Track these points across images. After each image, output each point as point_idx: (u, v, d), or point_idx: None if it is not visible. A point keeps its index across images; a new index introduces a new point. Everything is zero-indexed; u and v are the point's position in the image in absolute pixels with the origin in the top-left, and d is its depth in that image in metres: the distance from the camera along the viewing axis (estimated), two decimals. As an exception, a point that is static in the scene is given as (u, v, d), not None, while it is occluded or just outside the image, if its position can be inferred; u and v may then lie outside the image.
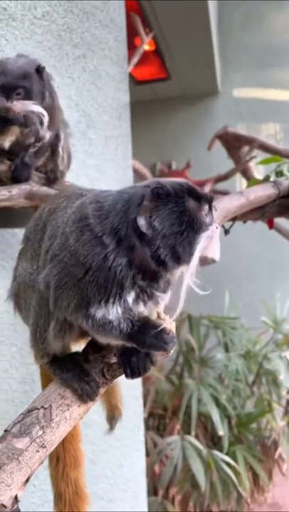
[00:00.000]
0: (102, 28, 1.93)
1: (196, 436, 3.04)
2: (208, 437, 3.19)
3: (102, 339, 0.84)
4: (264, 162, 1.68)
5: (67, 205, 0.87)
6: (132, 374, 0.84)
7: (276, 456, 3.14)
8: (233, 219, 1.50)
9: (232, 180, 3.23)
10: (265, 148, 2.84)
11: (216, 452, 2.93)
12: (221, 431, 2.95)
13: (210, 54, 3.62)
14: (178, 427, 3.04)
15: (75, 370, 0.84)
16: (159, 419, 3.27)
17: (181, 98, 4.10)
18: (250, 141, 2.89)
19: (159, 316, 0.84)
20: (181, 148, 3.91)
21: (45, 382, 0.97)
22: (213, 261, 1.19)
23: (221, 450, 2.99)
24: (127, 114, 2.09)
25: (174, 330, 0.83)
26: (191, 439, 2.94)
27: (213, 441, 3.19)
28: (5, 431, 0.77)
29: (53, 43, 1.65)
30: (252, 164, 3.08)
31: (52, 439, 0.77)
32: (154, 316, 0.84)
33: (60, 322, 0.83)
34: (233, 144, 3.08)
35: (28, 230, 0.97)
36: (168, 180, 0.80)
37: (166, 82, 3.90)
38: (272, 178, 1.57)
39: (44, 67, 1.26)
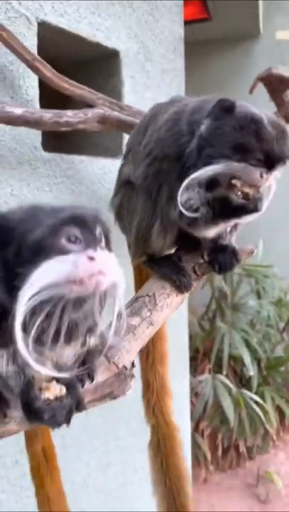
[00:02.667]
0: None
1: (226, 377, 3.22)
2: (237, 379, 3.37)
3: (197, 231, 0.95)
4: None
5: (166, 111, 0.96)
6: (219, 269, 0.96)
7: (303, 397, 3.32)
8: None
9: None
10: (311, 92, 2.83)
11: (245, 391, 3.12)
12: (252, 371, 3.11)
13: (254, -7, 3.53)
14: (209, 366, 3.22)
15: (172, 266, 0.96)
16: (190, 361, 3.44)
17: (221, 40, 4.03)
18: (297, 84, 2.88)
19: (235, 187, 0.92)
20: (220, 92, 3.88)
21: (139, 282, 1.09)
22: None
23: (250, 390, 3.18)
24: (181, 48, 2.12)
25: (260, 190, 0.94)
26: (222, 377, 3.12)
27: (242, 382, 3.37)
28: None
29: None
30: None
31: (158, 320, 0.90)
32: None
33: (164, 222, 0.94)
34: (277, 86, 3.06)
35: (129, 141, 1.07)
36: None
37: (206, 23, 3.83)
38: None
39: None
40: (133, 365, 0.85)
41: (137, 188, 0.99)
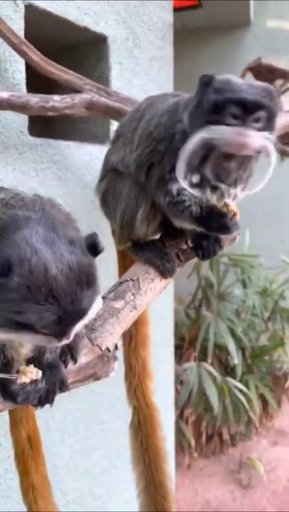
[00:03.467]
0: None
1: (211, 365, 3.28)
2: (222, 367, 3.43)
3: (177, 221, 0.97)
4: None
5: (165, 101, 0.98)
6: (203, 255, 0.98)
7: (286, 385, 3.39)
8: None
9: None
10: (299, 82, 2.86)
11: (230, 379, 3.18)
12: (236, 359, 3.17)
13: (245, -20, 3.53)
14: (194, 354, 3.27)
15: (156, 251, 0.98)
16: (176, 349, 3.49)
17: (211, 28, 4.02)
18: (285, 74, 2.90)
19: (226, 205, 0.96)
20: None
21: (123, 267, 1.11)
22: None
23: (234, 378, 3.24)
24: (170, 36, 2.13)
25: (238, 217, 0.95)
26: (207, 365, 3.18)
27: (227, 371, 3.44)
28: (102, 297, 0.92)
29: None
30: (283, 98, 3.10)
31: (141, 303, 0.92)
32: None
33: (147, 210, 0.96)
34: (266, 76, 3.08)
35: (120, 127, 1.09)
36: None
37: (196, 11, 3.81)
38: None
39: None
40: (116, 347, 0.87)
41: (124, 175, 1.01)
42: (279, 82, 3.08)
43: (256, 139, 0.86)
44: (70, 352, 0.84)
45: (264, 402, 3.43)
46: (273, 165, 0.91)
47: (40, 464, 1.03)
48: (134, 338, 1.13)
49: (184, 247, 1.02)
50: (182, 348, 3.41)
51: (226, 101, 0.85)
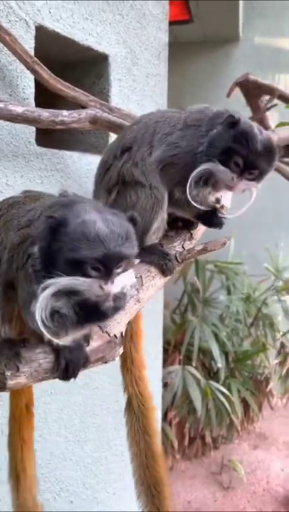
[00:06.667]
0: None
1: (196, 369, 3.47)
2: (206, 371, 3.62)
3: (184, 213, 1.24)
4: (294, 107, 1.98)
5: (178, 116, 1.24)
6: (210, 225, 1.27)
7: (267, 389, 3.60)
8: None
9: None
10: (284, 98, 3.09)
11: (213, 382, 3.37)
12: (220, 363, 3.37)
13: (235, -2, 3.78)
14: (179, 358, 3.46)
15: (158, 253, 1.17)
16: (162, 352, 3.67)
17: (201, 43, 4.27)
18: (272, 90, 3.13)
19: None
20: (198, 94, 4.12)
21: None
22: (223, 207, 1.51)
23: (217, 382, 3.43)
24: (165, 54, 2.33)
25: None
26: (192, 369, 3.37)
27: (210, 375, 3.63)
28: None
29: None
30: (268, 114, 3.33)
31: (144, 297, 1.11)
32: None
33: (163, 219, 1.16)
34: (253, 91, 3.31)
35: (127, 141, 1.25)
36: None
37: (187, 25, 4.05)
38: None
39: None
40: (122, 334, 1.05)
41: (138, 186, 1.18)
42: (266, 97, 3.31)
43: (242, 185, 1.16)
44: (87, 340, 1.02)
45: (246, 405, 3.62)
46: (252, 200, 1.22)
47: (31, 423, 1.22)
48: (128, 330, 1.31)
49: (180, 249, 1.21)
50: (168, 351, 3.58)
51: (236, 153, 1.12)
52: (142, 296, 1.09)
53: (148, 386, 1.34)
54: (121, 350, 1.08)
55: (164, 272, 1.15)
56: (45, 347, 0.94)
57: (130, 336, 1.32)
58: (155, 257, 1.16)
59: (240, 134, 1.11)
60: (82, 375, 1.94)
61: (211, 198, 1.20)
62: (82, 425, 1.94)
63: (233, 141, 1.11)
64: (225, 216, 1.24)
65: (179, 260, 1.19)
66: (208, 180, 1.15)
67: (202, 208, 1.17)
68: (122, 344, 1.06)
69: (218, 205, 1.22)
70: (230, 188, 1.17)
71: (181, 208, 1.21)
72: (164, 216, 1.18)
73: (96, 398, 1.99)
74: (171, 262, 1.16)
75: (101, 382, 2.01)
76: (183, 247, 1.21)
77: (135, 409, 1.34)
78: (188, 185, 1.11)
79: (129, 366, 1.33)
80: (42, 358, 0.94)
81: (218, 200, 1.22)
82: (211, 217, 1.23)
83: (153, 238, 1.19)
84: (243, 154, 1.11)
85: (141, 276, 1.12)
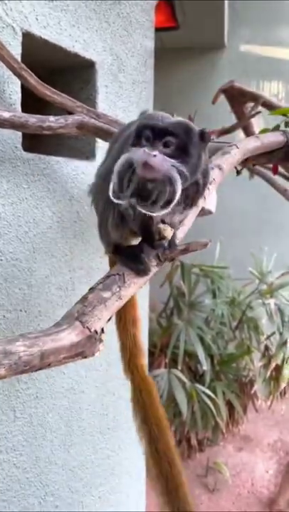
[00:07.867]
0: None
1: (181, 372, 3.50)
2: (191, 374, 3.65)
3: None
4: (276, 113, 2.01)
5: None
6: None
7: (252, 392, 3.63)
8: (244, 162, 1.83)
9: (231, 135, 3.54)
10: (268, 105, 3.14)
11: (199, 385, 3.40)
12: (205, 366, 3.40)
13: (220, 6, 3.83)
14: (165, 361, 3.48)
15: (132, 256, 1.18)
16: (148, 355, 3.69)
17: (187, 49, 4.32)
18: (256, 98, 3.18)
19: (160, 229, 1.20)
20: (183, 100, 4.16)
21: (112, 265, 1.31)
22: (209, 212, 1.54)
23: (202, 385, 3.46)
24: (152, 61, 2.36)
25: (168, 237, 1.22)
26: (177, 372, 3.39)
27: (196, 377, 3.65)
28: (91, 288, 1.11)
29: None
30: (253, 120, 3.38)
31: (126, 294, 1.12)
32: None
33: (116, 217, 1.17)
34: (238, 98, 3.36)
35: (112, 145, 1.29)
36: None
37: (174, 32, 4.10)
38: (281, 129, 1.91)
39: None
40: (103, 331, 1.06)
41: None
42: (250, 104, 3.37)
43: (158, 160, 0.98)
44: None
45: (231, 408, 3.66)
46: (178, 194, 1.00)
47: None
48: (123, 319, 1.34)
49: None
50: (154, 354, 3.60)
51: (143, 127, 1.04)
52: (123, 294, 1.11)
53: (147, 374, 1.38)
54: (102, 347, 1.09)
55: (139, 273, 1.16)
56: None
57: (124, 325, 1.35)
58: (128, 260, 1.17)
59: (146, 116, 1.09)
60: (68, 378, 1.94)
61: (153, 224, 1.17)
62: (67, 429, 1.94)
63: (140, 123, 1.05)
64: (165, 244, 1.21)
65: (162, 259, 1.21)
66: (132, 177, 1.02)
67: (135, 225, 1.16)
68: (101, 340, 1.07)
69: (157, 236, 1.18)
70: (144, 165, 0.97)
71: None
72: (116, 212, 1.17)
73: (82, 402, 2.00)
74: (142, 265, 1.17)
75: (87, 386, 2.02)
76: (164, 248, 1.22)
77: (139, 398, 1.34)
78: (111, 184, 1.03)
79: (126, 353, 1.37)
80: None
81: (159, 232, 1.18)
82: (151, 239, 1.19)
83: (117, 234, 1.21)
84: (149, 124, 1.01)
85: (123, 274, 1.14)
